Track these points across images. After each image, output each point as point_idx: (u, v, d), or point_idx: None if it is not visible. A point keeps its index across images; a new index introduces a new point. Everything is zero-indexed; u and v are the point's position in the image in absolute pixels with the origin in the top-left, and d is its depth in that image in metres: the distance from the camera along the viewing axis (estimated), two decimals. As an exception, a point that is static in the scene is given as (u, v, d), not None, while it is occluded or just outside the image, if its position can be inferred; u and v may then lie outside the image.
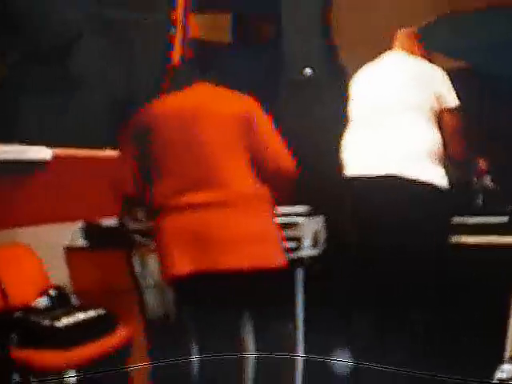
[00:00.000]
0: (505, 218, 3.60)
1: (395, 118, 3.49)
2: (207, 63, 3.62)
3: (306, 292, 3.75)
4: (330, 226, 3.86)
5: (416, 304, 3.36)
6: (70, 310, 3.47)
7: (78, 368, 3.21)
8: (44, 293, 3.55)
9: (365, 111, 3.62)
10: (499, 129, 4.04)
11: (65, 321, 3.34)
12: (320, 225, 3.87)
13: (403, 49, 3.66)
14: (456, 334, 3.47)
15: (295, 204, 3.87)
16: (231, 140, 3.20)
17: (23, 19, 3.87)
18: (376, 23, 4.43)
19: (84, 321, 3.41)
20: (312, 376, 3.55)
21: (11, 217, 3.64)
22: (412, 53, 3.65)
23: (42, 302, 3.51)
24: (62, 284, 3.68)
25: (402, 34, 3.71)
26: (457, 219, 3.59)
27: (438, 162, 3.46)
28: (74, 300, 3.64)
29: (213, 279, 3.11)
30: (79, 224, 3.91)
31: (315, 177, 3.85)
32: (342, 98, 3.69)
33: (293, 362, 3.61)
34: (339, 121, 3.67)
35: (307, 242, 3.77)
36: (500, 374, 2.67)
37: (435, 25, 4.22)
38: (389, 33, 3.72)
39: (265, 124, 3.27)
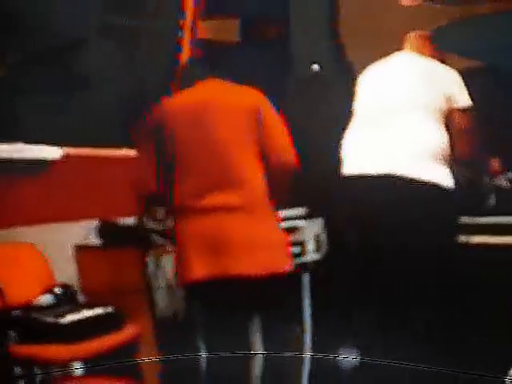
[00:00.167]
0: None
1: (403, 117, 3.46)
2: (216, 62, 3.64)
3: (312, 296, 3.73)
4: (330, 227, 3.84)
5: (423, 303, 3.32)
6: (76, 308, 3.47)
7: (84, 361, 3.21)
8: (49, 291, 3.55)
9: (372, 110, 3.59)
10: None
11: (70, 318, 3.34)
12: (321, 227, 3.85)
13: (413, 49, 3.64)
14: (464, 334, 3.42)
15: (293, 206, 3.85)
16: (243, 133, 3.22)
17: (39, 19, 3.91)
18: (386, 26, 4.42)
19: (90, 318, 3.41)
20: (318, 377, 3.53)
21: (21, 215, 3.66)
22: (422, 53, 3.63)
23: (45, 299, 3.50)
24: (70, 282, 3.67)
25: (412, 35, 3.69)
26: (466, 219, 3.55)
27: (443, 161, 3.42)
28: (80, 298, 3.63)
29: (224, 283, 3.12)
30: (93, 222, 3.90)
31: (317, 176, 3.83)
32: (349, 97, 3.67)
33: (300, 361, 3.59)
34: (346, 120, 3.65)
35: (310, 246, 3.76)
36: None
37: (447, 27, 4.21)
38: (398, 35, 3.71)
39: (272, 117, 3.28)
